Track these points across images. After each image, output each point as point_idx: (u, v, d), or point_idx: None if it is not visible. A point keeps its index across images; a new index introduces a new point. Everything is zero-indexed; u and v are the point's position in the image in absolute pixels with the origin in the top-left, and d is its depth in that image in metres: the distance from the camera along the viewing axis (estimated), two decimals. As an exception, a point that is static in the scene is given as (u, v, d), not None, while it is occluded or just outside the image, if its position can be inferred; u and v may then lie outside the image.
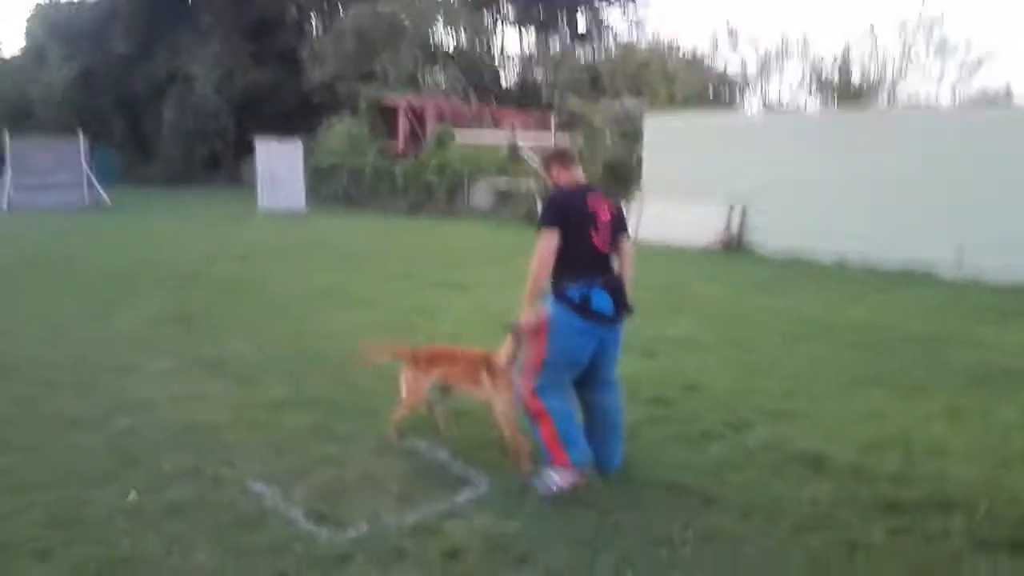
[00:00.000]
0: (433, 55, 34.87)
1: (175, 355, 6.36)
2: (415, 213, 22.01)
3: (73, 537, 3.41)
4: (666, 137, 16.17)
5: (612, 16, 49.70)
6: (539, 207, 18.51)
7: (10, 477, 3.98)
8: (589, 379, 4.04)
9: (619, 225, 4.03)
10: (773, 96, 22.61)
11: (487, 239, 15.75)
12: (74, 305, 8.47)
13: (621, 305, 3.93)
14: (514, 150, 21.07)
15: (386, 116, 26.17)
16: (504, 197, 20.46)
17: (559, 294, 3.85)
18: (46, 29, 40.77)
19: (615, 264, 4.02)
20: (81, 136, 24.72)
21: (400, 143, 24.94)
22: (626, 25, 49.93)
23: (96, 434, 4.62)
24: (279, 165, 22.73)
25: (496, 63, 46.60)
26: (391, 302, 8.75)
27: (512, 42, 47.67)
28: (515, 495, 3.82)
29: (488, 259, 12.82)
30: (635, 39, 39.80)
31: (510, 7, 49.29)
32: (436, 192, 21.88)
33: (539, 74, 50.83)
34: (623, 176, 18.00)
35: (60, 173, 23.69)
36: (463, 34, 37.48)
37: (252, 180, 34.57)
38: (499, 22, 45.67)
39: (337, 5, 39.91)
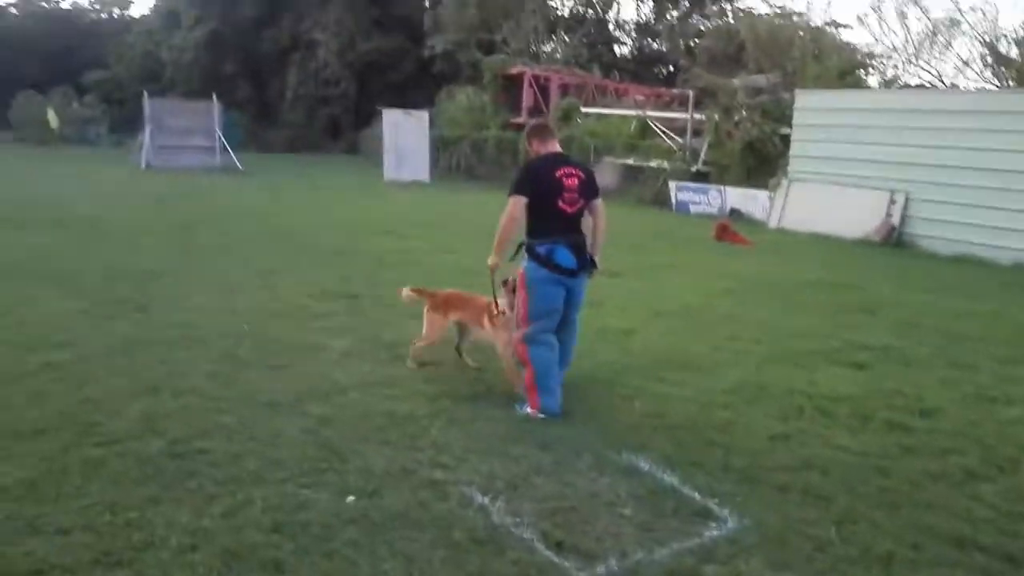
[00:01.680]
0: (553, 24, 34.21)
1: (353, 334, 6.19)
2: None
3: (302, 547, 3.18)
4: (818, 116, 15.15)
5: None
6: (668, 187, 17.92)
7: (225, 467, 3.82)
8: (560, 320, 4.77)
9: (589, 190, 4.70)
10: (940, 74, 20.95)
11: (620, 221, 15.18)
12: (238, 272, 8.49)
13: (583, 260, 4.69)
14: (644, 125, 20.36)
15: (509, 87, 25.83)
16: (632, 175, 19.82)
17: (530, 251, 4.63)
18: (178, -10, 42.15)
19: (586, 224, 4.75)
20: (215, 100, 25.41)
21: (523, 115, 24.57)
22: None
23: (295, 420, 4.44)
24: (405, 136, 22.75)
25: (613, 32, 45.54)
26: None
27: (628, 10, 46.10)
28: (775, 538, 3.38)
29: (626, 244, 12.29)
30: (767, 10, 38.03)
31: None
32: (561, 167, 21.42)
33: (660, 45, 49.57)
34: (764, 157, 17.08)
35: (194, 135, 24.50)
36: (588, 3, 36.62)
37: (372, 149, 35.10)
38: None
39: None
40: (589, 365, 5.68)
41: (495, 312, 5.05)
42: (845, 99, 15.56)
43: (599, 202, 4.81)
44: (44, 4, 59.32)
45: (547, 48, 33.35)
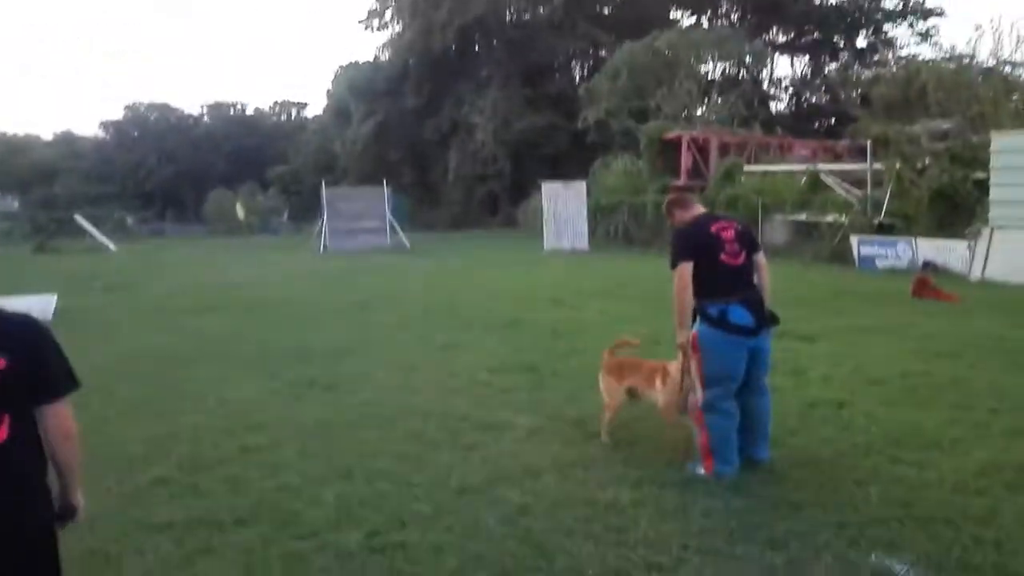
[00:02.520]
0: (707, 87, 33.74)
1: (537, 410, 5.89)
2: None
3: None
4: (1019, 158, 13.63)
5: (898, 31, 45.01)
6: (849, 242, 16.70)
7: (425, 563, 3.55)
8: (744, 387, 4.50)
9: (748, 243, 4.53)
10: None
11: (798, 281, 14.21)
12: (416, 348, 8.51)
13: (760, 316, 4.42)
14: (815, 179, 19.28)
15: (666, 152, 25.47)
16: (804, 232, 18.71)
17: (702, 314, 4.40)
18: (349, 88, 45.52)
19: (755, 279, 4.52)
20: (385, 185, 26.78)
21: (683, 178, 24.07)
22: (913, 38, 44.98)
23: (491, 508, 4.13)
24: (563, 206, 22.84)
25: (767, 89, 44.43)
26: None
27: (783, 67, 44.95)
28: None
29: (815, 306, 11.39)
30: (932, 54, 35.79)
31: (781, 31, 46.92)
32: (725, 228, 20.61)
33: (816, 98, 47.83)
34: (956, 204, 15.59)
35: (366, 219, 25.80)
36: (739, 63, 35.99)
37: (529, 222, 35.74)
38: (770, 47, 43.30)
39: (607, 45, 40.34)
40: (804, 443, 5.05)
41: (670, 374, 4.85)
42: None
43: (761, 256, 4.63)
44: (231, 111, 66.10)
45: (700, 112, 32.91)
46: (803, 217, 18.48)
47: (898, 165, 17.06)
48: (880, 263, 15.84)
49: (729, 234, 4.44)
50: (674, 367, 4.83)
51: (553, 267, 17.84)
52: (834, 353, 7.78)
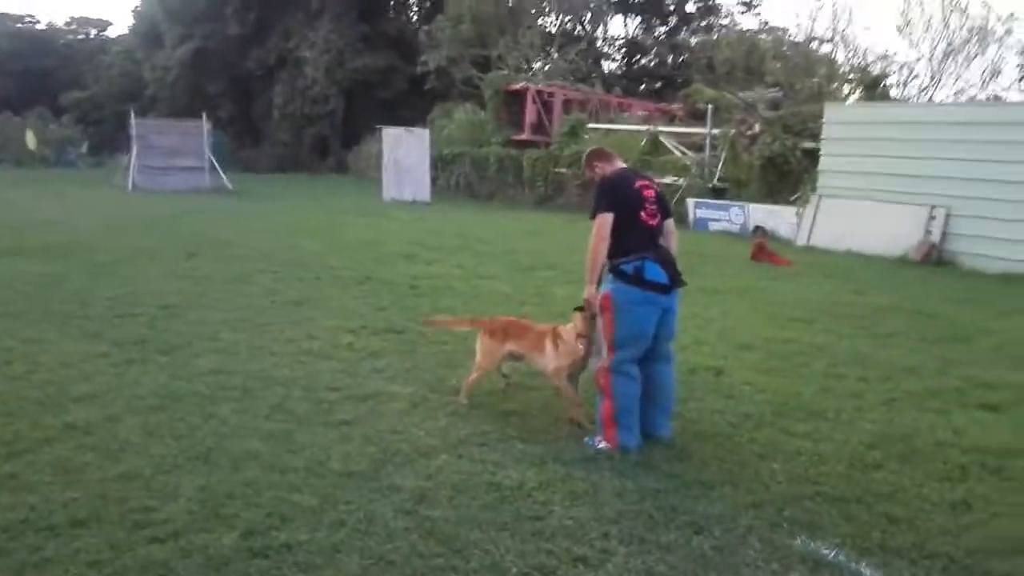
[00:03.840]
0: (548, 41, 33.73)
1: (414, 379, 5.39)
2: (544, 206, 20.97)
3: None
4: (848, 130, 14.58)
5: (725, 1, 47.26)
6: (685, 204, 17.30)
7: (321, 570, 3.02)
8: (649, 352, 4.32)
9: (663, 206, 4.40)
10: (967, 85, 20.57)
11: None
12: (262, 304, 7.65)
13: (674, 273, 4.27)
14: (655, 141, 19.76)
15: (510, 103, 25.18)
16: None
17: (615, 271, 4.21)
18: (162, 6, 41.21)
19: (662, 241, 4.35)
20: (204, 119, 24.56)
21: (527, 132, 23.93)
22: (737, 7, 47.52)
23: (385, 497, 3.63)
24: (405, 154, 21.98)
25: (601, 48, 45.26)
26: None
27: (615, 26, 45.90)
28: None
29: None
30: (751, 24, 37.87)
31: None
32: (568, 185, 20.77)
33: (646, 60, 49.42)
34: (785, 172, 16.51)
35: (182, 156, 23.62)
36: (578, 19, 36.24)
37: (362, 168, 34.39)
38: (607, 4, 44.05)
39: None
40: (695, 415, 4.94)
41: (563, 336, 4.63)
42: (878, 112, 15.05)
43: (671, 222, 4.49)
44: (18, 25, 58.14)
45: (539, 65, 32.85)
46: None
47: (732, 131, 17.77)
48: (713, 226, 16.53)
49: (650, 193, 4.34)
50: (566, 330, 4.62)
51: (397, 218, 17.12)
52: (695, 316, 7.82)
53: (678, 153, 18.92)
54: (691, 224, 16.92)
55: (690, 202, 17.02)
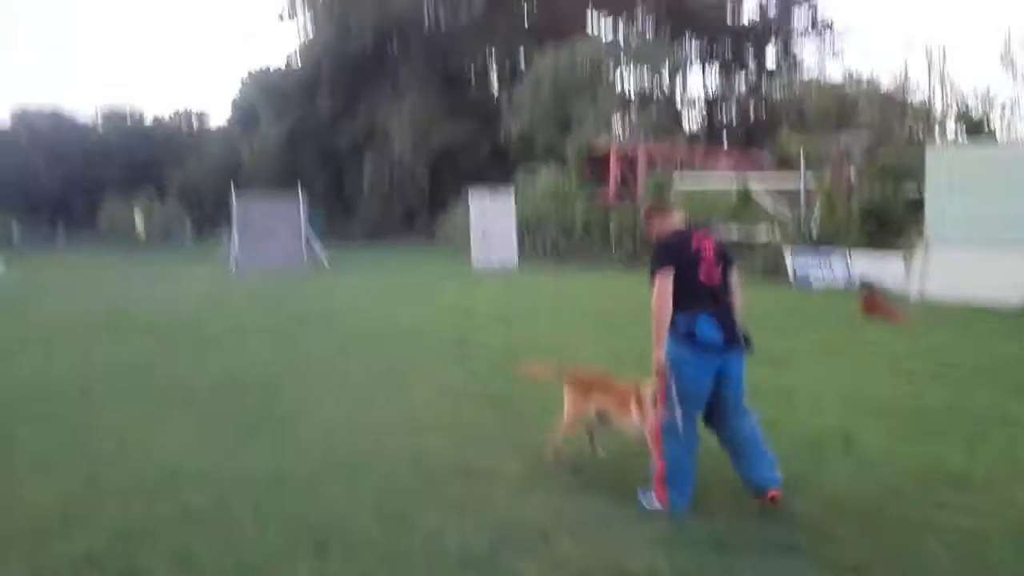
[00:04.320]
0: (628, 99, 33.90)
1: (520, 454, 5.14)
2: (633, 265, 20.61)
3: None
4: (955, 174, 13.81)
5: (805, 49, 46.83)
6: (783, 258, 16.73)
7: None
8: (721, 412, 4.23)
9: (725, 259, 4.25)
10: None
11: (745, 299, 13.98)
12: (360, 376, 7.62)
13: (731, 333, 4.12)
14: (746, 194, 19.30)
15: (593, 164, 25.21)
16: (736, 247, 18.66)
17: (672, 329, 4.09)
18: (258, 93, 43.62)
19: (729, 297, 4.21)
20: (300, 194, 25.43)
21: (612, 191, 23.84)
22: (819, 57, 46.96)
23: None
24: (492, 219, 22.16)
25: (678, 107, 45.19)
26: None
27: (694, 83, 45.77)
28: None
29: (767, 326, 11.13)
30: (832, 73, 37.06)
31: (694, 44, 47.83)
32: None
33: (726, 115, 49.09)
34: (887, 221, 15.77)
35: (280, 231, 24.33)
36: (660, 75, 36.32)
37: (449, 236, 34.91)
38: (686, 59, 44.08)
39: (527, 51, 40.07)
40: (830, 487, 4.52)
41: (644, 397, 4.47)
42: (987, 154, 14.25)
43: (735, 273, 4.34)
44: (128, 122, 62.42)
45: (619, 125, 32.95)
46: (735, 233, 18.40)
47: (828, 180, 17.18)
48: (816, 282, 15.85)
49: (708, 250, 4.20)
50: (647, 390, 4.45)
51: (487, 284, 17.12)
52: (812, 377, 7.39)
53: (770, 206, 18.38)
54: (792, 280, 16.29)
55: (788, 257, 16.41)
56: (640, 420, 4.50)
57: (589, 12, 42.84)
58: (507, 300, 13.72)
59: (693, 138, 33.02)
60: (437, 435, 5.61)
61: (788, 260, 16.39)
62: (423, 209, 39.69)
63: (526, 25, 41.70)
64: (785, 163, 23.68)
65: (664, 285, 4.07)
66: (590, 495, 4.45)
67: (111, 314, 12.52)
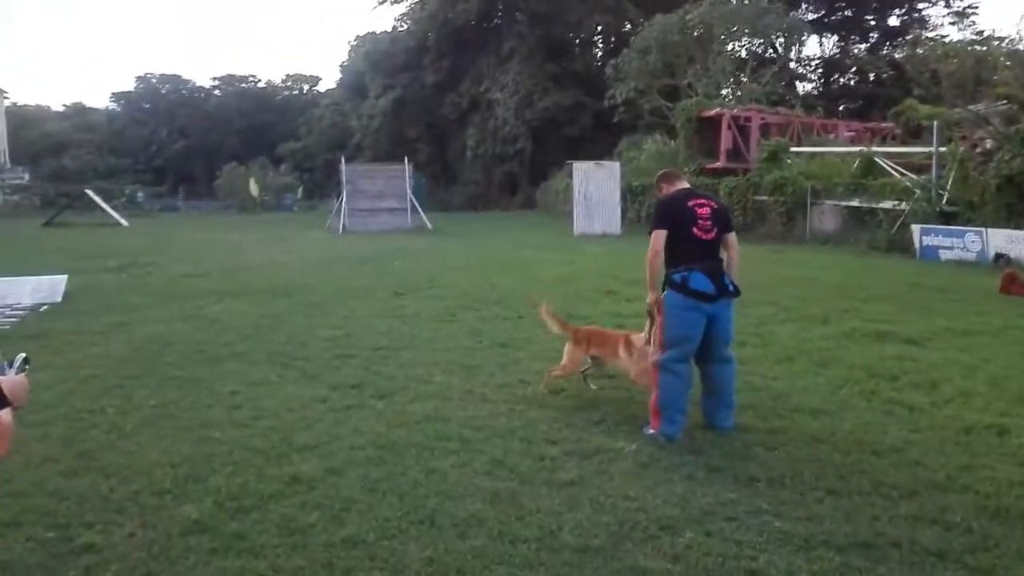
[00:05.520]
0: (740, 65, 32.47)
1: (637, 434, 4.88)
2: (745, 236, 19.72)
3: None
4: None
5: (932, 11, 43.46)
6: (910, 231, 15.67)
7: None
8: (706, 354, 4.86)
9: (722, 222, 4.83)
10: None
11: (861, 272, 13.14)
12: (470, 344, 7.51)
13: (720, 284, 4.70)
14: (869, 163, 18.12)
15: (703, 131, 24.29)
16: (857, 218, 17.60)
17: (668, 280, 4.75)
18: (367, 61, 44.28)
19: (723, 255, 4.85)
20: (406, 163, 25.72)
21: (722, 159, 22.93)
22: (948, 18, 43.46)
23: (624, 578, 3.17)
24: (595, 188, 21.75)
25: (795, 69, 43.02)
26: (852, 360, 6.78)
27: (811, 46, 43.37)
28: None
29: (891, 299, 10.41)
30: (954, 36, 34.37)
31: (811, 8, 45.35)
32: (769, 213, 19.53)
33: (845, 79, 46.38)
34: (1030, 194, 14.44)
35: (387, 198, 24.77)
36: (770, 41, 34.62)
37: (550, 204, 34.71)
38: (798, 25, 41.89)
39: (633, 19, 38.97)
40: (991, 487, 4.03)
41: (634, 344, 5.27)
42: None
43: (733, 236, 4.93)
44: (243, 85, 64.84)
45: (728, 91, 31.60)
46: (856, 203, 17.33)
47: (962, 149, 15.89)
48: (944, 254, 14.76)
49: (704, 211, 4.77)
50: (637, 337, 5.26)
51: (590, 252, 16.81)
52: (954, 361, 6.76)
53: (897, 175, 17.18)
54: (918, 253, 15.23)
55: (915, 228, 15.35)
56: (628, 360, 5.33)
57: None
58: (610, 270, 13.37)
59: (810, 106, 31.31)
60: (547, 412, 5.40)
61: (915, 231, 15.31)
62: (524, 177, 39.57)
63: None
64: (913, 133, 22.17)
65: (657, 239, 4.75)
66: (716, 484, 4.13)
67: (228, 275, 12.92)
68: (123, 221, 27.91)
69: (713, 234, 4.75)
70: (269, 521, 3.69)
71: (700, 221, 4.72)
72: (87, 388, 5.98)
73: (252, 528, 3.61)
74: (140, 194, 45.08)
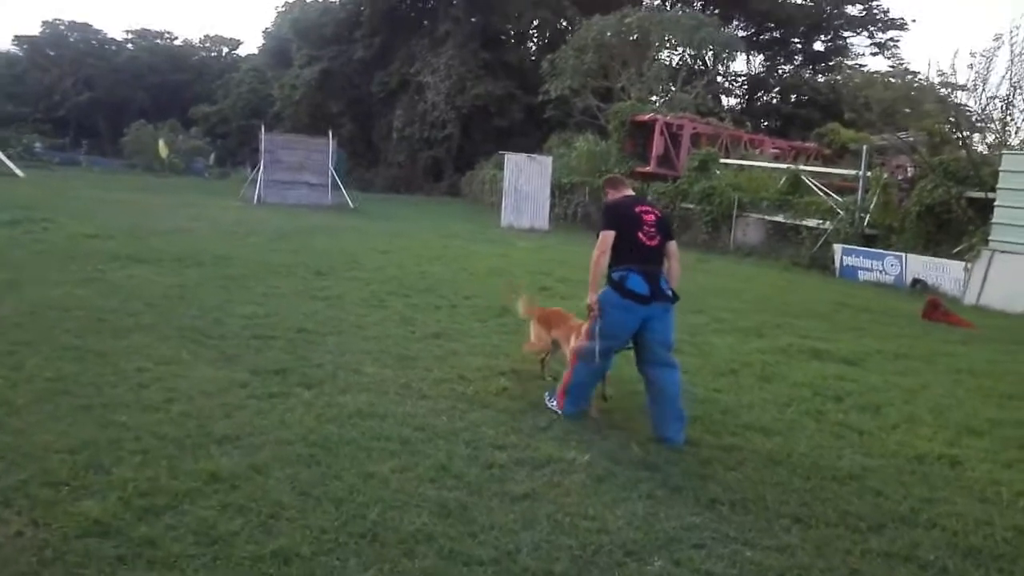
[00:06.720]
0: (674, 74, 32.86)
1: (588, 443, 4.58)
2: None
3: None
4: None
5: (856, 41, 45.31)
6: (834, 249, 16.04)
7: None
8: (646, 358, 4.91)
9: (664, 229, 4.99)
10: None
11: (786, 288, 13.33)
12: (401, 333, 7.04)
13: (655, 288, 4.79)
14: (796, 180, 18.49)
15: (635, 134, 24.37)
16: (780, 234, 17.95)
17: (607, 278, 4.89)
18: (294, 29, 42.65)
19: (664, 262, 4.96)
20: (330, 137, 24.79)
21: (652, 164, 23.04)
22: (869, 48, 45.40)
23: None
24: (526, 181, 21.46)
25: (721, 83, 44.03)
26: (794, 377, 6.67)
27: (738, 63, 44.40)
28: None
29: (821, 316, 10.53)
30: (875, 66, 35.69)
31: (742, 25, 46.50)
32: (695, 222, 19.72)
33: (767, 97, 47.81)
34: (947, 223, 15.00)
35: (307, 172, 23.84)
36: (704, 53, 35.21)
37: (475, 193, 34.28)
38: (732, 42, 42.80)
39: (570, 17, 38.93)
40: (958, 524, 3.90)
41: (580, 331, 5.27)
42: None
43: (674, 245, 5.08)
44: (158, 41, 61.62)
45: (658, 98, 31.92)
46: (781, 218, 17.66)
47: (886, 175, 16.39)
48: (863, 275, 15.17)
49: (650, 217, 4.95)
50: (583, 328, 5.21)
51: (519, 246, 16.51)
52: (893, 385, 6.76)
53: (821, 195, 17.59)
54: (838, 272, 15.61)
55: (837, 247, 15.72)
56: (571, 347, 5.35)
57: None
58: (541, 265, 13.11)
59: (737, 120, 31.95)
60: (491, 413, 5.03)
61: (837, 250, 15.69)
62: (450, 164, 38.98)
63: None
64: (835, 156, 22.84)
65: (605, 239, 4.84)
66: (675, 504, 3.87)
67: (133, 239, 11.96)
68: (19, 172, 25.84)
69: (656, 241, 4.88)
70: (185, 526, 3.19)
71: (646, 227, 4.87)
72: (-32, 354, 5.24)
73: (165, 533, 3.11)
74: (38, 144, 42.06)
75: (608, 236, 4.84)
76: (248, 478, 3.69)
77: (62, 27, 57.34)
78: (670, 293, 4.87)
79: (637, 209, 4.97)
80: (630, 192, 5.32)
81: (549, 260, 14.06)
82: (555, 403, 5.08)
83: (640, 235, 4.84)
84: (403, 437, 4.41)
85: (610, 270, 4.87)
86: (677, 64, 33.83)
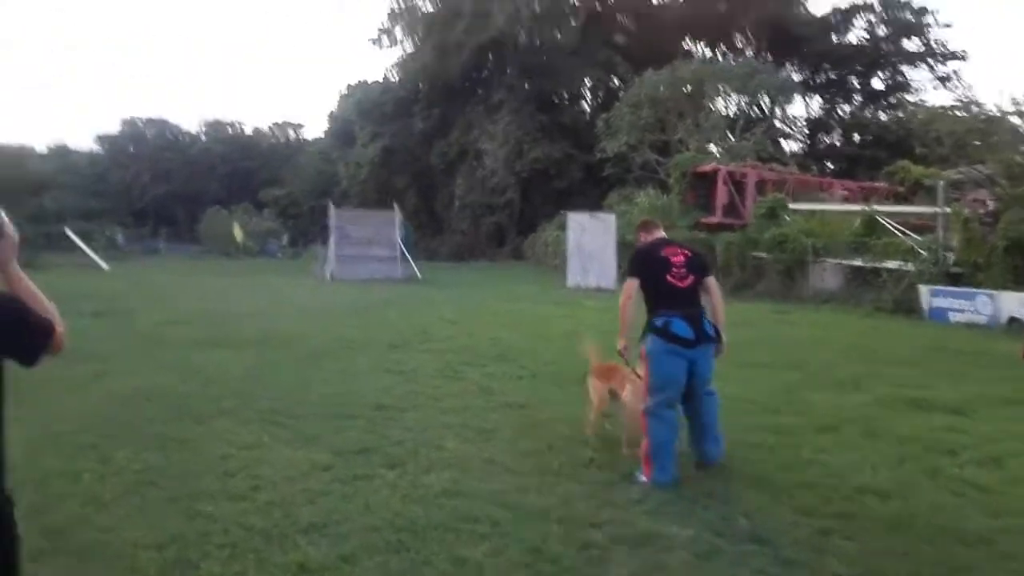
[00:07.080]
0: (731, 123, 32.66)
1: (688, 517, 4.31)
2: (742, 294, 19.43)
3: None
4: None
5: (917, 76, 44.25)
6: (920, 291, 15.35)
7: None
8: (688, 395, 4.96)
9: (698, 268, 5.00)
10: None
11: (875, 334, 12.72)
12: (481, 406, 6.89)
13: (699, 330, 4.82)
14: (871, 222, 17.89)
15: (697, 186, 24.13)
16: (860, 278, 17.28)
17: (650, 326, 4.90)
18: (357, 109, 44.20)
19: (704, 301, 5.02)
20: (396, 210, 25.28)
21: (718, 214, 22.71)
22: (932, 82, 44.23)
23: None
24: (590, 239, 21.37)
25: (780, 127, 43.46)
26: (899, 431, 6.24)
27: (796, 106, 43.82)
28: None
29: (916, 363, 9.94)
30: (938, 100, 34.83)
31: (796, 68, 46.05)
32: (768, 271, 19.19)
33: (829, 139, 46.97)
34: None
35: (376, 246, 24.24)
36: (760, 99, 34.97)
37: (538, 255, 34.32)
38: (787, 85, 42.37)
39: (623, 74, 39.26)
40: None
41: (632, 378, 5.26)
42: None
43: (712, 280, 5.11)
44: (229, 129, 64.63)
45: (716, 148, 31.70)
46: (859, 262, 17.02)
47: (967, 210, 15.70)
48: (954, 316, 14.40)
49: (679, 259, 4.93)
50: (634, 376, 5.24)
51: (587, 306, 16.30)
52: (1008, 434, 6.23)
53: (899, 235, 16.94)
54: (926, 315, 14.88)
55: (924, 289, 15.01)
56: (627, 395, 5.35)
57: (686, 40, 41.79)
58: (615, 325, 12.81)
59: (802, 164, 31.41)
60: (583, 487, 4.80)
61: (923, 292, 14.98)
62: (512, 228, 39.27)
63: (621, 49, 40.95)
64: (907, 193, 22.13)
65: (629, 287, 5.00)
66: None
67: (212, 323, 12.23)
68: (103, 264, 27.10)
69: (688, 281, 4.88)
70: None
71: (674, 269, 4.88)
72: (60, 447, 5.31)
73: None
74: (120, 236, 44.20)
75: (631, 284, 4.99)
76: (337, 569, 3.55)
77: (140, 124, 60.75)
78: (713, 334, 4.89)
79: (664, 252, 4.99)
80: (661, 234, 5.31)
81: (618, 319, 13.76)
82: (643, 477, 4.85)
83: (669, 277, 4.86)
84: (492, 517, 4.22)
85: (650, 316, 4.90)
86: (734, 113, 33.60)
